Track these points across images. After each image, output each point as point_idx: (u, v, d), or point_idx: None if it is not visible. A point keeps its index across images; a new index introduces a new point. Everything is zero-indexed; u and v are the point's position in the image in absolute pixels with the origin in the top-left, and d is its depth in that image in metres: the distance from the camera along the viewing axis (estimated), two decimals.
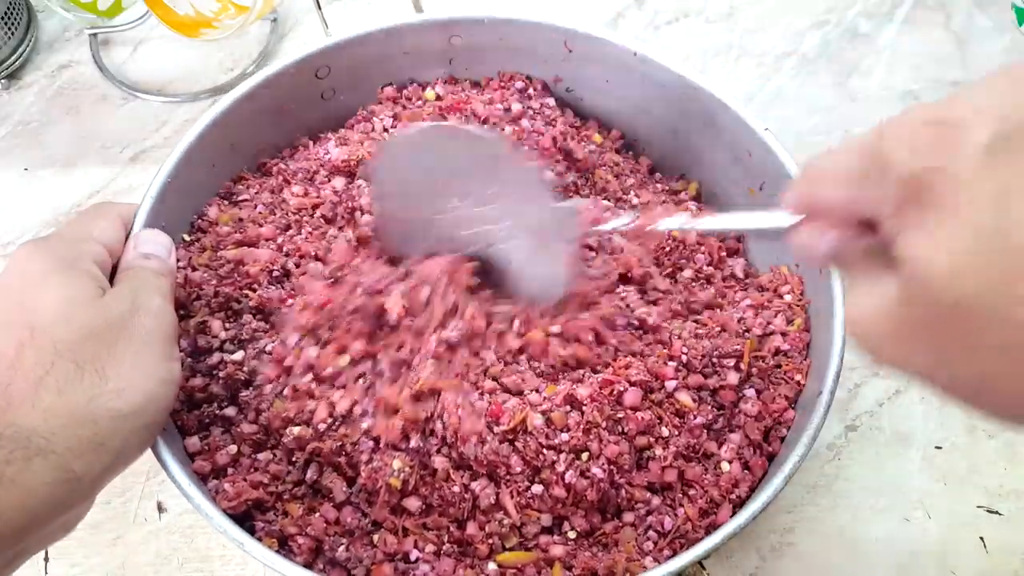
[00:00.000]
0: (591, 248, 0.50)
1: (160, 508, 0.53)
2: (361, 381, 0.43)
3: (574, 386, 0.43)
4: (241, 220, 0.50)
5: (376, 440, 0.41)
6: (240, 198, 0.52)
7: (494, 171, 0.43)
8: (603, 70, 0.54)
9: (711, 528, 0.42)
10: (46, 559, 0.52)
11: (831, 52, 0.73)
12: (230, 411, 0.44)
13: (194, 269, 0.47)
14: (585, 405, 0.42)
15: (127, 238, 0.44)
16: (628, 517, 0.43)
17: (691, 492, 0.43)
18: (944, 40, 0.73)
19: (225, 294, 0.46)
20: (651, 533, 0.42)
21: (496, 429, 0.41)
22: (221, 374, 0.44)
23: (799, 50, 0.73)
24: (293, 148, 0.55)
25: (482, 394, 0.43)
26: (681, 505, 0.43)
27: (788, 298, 0.49)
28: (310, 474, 0.42)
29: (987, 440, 0.56)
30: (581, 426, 0.41)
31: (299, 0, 0.75)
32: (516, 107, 0.53)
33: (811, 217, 0.29)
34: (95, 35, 0.72)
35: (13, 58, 0.70)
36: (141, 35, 0.73)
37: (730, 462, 0.44)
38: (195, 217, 0.50)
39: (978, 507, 0.53)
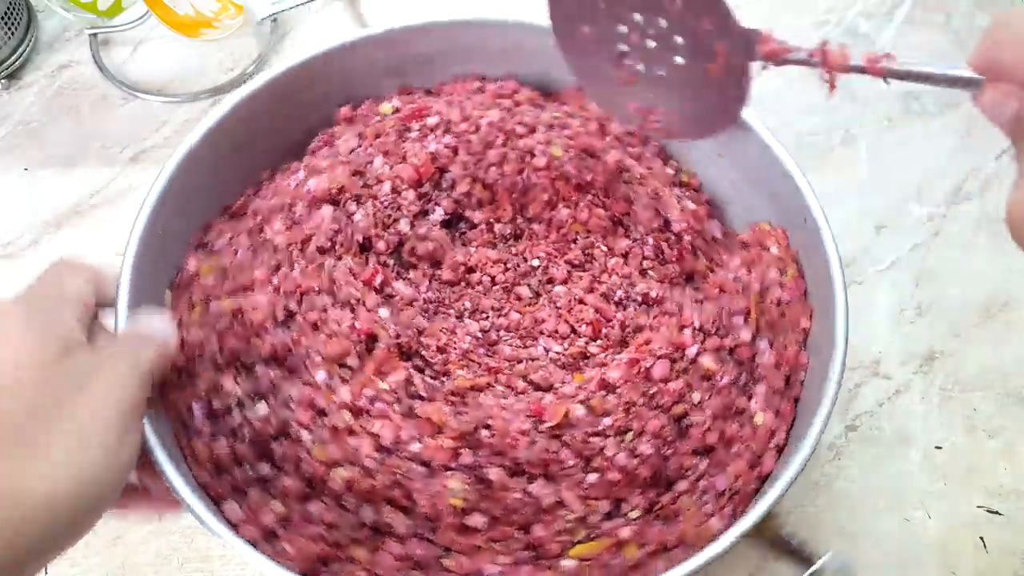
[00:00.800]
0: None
1: None
2: (397, 406, 0.42)
3: (603, 371, 0.43)
4: (224, 269, 0.46)
5: (426, 464, 0.40)
6: (216, 246, 0.48)
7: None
8: None
9: (761, 477, 0.43)
10: None
11: None
12: (264, 468, 0.41)
13: (187, 331, 0.44)
14: (619, 387, 0.42)
15: (112, 296, 0.41)
16: (682, 485, 0.43)
17: (734, 449, 0.44)
18: (944, 40, 0.73)
19: (230, 348, 0.43)
20: (707, 496, 0.43)
21: (541, 427, 0.41)
22: (246, 431, 0.41)
23: None
24: (257, 185, 0.52)
25: (517, 395, 0.44)
26: (729, 463, 0.43)
27: (775, 250, 0.49)
28: (367, 514, 0.40)
29: (987, 440, 0.56)
30: (620, 407, 0.42)
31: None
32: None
33: (994, 79, 0.27)
34: (95, 35, 0.72)
35: (13, 58, 0.70)
36: (141, 35, 0.73)
37: (763, 411, 0.44)
38: (175, 274, 0.47)
39: (978, 507, 0.53)
